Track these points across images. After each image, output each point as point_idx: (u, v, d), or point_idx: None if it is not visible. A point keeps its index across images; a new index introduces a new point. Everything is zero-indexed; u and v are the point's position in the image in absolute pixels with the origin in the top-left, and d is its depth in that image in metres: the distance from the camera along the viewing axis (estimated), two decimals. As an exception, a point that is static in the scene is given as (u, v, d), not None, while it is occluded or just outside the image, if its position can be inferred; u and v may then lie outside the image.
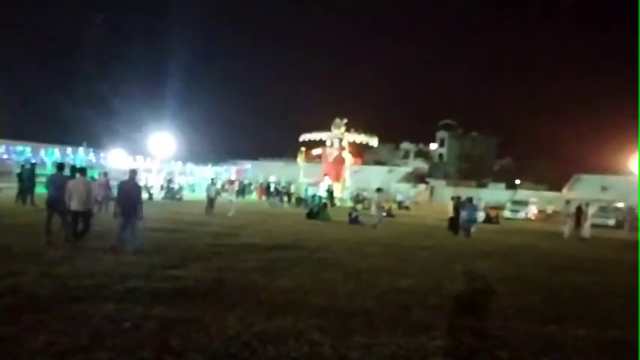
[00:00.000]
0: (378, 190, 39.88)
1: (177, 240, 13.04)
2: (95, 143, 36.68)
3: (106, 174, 19.86)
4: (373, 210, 32.99)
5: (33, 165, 21.06)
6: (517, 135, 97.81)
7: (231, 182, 24.53)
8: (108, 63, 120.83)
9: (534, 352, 5.68)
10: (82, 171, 11.89)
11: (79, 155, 33.15)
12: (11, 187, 22.06)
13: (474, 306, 7.72)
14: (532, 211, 41.03)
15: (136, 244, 10.59)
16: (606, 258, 15.75)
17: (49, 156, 31.77)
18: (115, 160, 33.43)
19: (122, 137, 44.02)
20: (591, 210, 23.97)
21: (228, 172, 44.54)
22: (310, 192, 37.53)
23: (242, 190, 39.97)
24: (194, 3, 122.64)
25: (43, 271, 7.88)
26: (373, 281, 9.12)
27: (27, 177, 19.68)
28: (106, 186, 18.12)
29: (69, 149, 33.76)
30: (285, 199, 37.07)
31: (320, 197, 31.07)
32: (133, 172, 11.99)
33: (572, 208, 24.09)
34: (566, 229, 22.71)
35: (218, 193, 25.58)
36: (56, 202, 11.17)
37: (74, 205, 10.81)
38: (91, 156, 33.95)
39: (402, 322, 6.45)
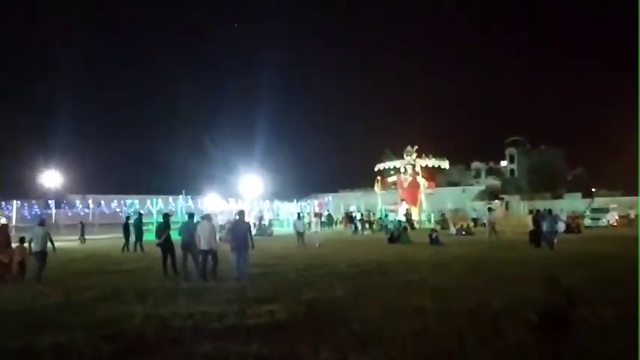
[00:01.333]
0: (455, 210, 38.68)
1: (270, 273, 12.86)
2: (193, 190, 38.10)
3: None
4: (452, 229, 31.92)
5: (140, 215, 21.85)
6: (586, 144, 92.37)
7: (316, 215, 24.32)
8: (202, 108, 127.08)
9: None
10: (207, 217, 12.83)
11: (179, 202, 34.30)
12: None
13: (572, 323, 6.87)
14: (613, 217, 37.99)
15: (245, 271, 11.70)
16: None
17: (153, 206, 33.08)
18: (210, 204, 34.34)
19: (216, 182, 45.51)
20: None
21: (311, 205, 44.62)
22: (390, 217, 36.77)
23: (329, 221, 39.87)
24: (283, 44, 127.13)
25: (148, 314, 7.84)
26: (460, 300, 8.43)
27: (136, 226, 20.41)
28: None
29: (170, 198, 35.09)
30: (367, 225, 36.53)
31: (399, 222, 30.26)
32: (242, 213, 13.08)
33: None
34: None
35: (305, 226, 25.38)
36: (189, 245, 12.26)
37: (204, 245, 11.83)
38: (190, 202, 35.02)
39: (496, 344, 5.80)
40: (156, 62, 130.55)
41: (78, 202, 39.08)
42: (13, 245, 13.35)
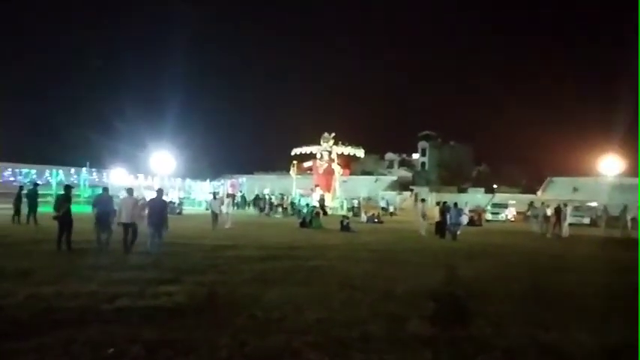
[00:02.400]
0: (368, 199, 39.36)
1: (175, 254, 12.25)
2: (97, 163, 35.84)
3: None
4: (363, 217, 32.47)
5: (36, 185, 20.16)
6: (492, 142, 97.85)
7: (228, 195, 23.33)
8: (109, 84, 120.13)
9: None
10: (130, 191, 12.81)
11: (82, 175, 32.18)
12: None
13: (470, 313, 7.01)
14: (512, 212, 40.45)
15: (159, 249, 11.87)
16: (588, 255, 15.14)
17: (53, 177, 30.78)
18: (116, 179, 32.51)
19: (123, 156, 43.19)
20: (569, 210, 23.49)
21: (224, 186, 43.62)
22: (303, 202, 36.75)
23: (243, 203, 39.11)
24: (192, 21, 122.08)
25: (30, 293, 7.08)
26: (367, 289, 8.40)
27: (30, 197, 18.78)
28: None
29: (72, 170, 32.83)
30: (280, 209, 36.37)
31: (312, 207, 30.27)
32: (160, 191, 13.32)
33: (539, 210, 24.50)
34: (537, 227, 24.04)
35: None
36: (102, 218, 12.26)
37: (124, 218, 12.01)
38: (94, 175, 32.97)
39: (399, 334, 5.75)
40: (62, 34, 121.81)
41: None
42: None
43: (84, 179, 31.77)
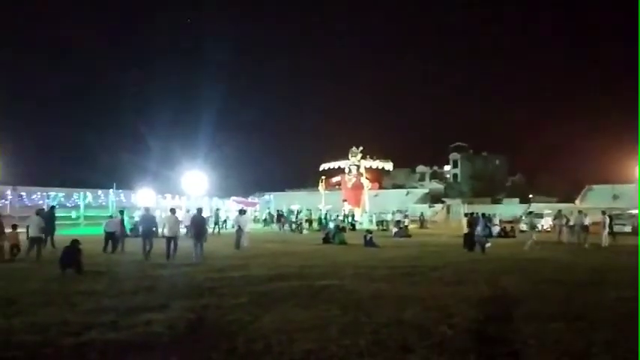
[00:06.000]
0: (398, 212, 37.98)
1: (180, 275, 11.57)
2: (124, 184, 35.76)
3: (121, 212, 18.78)
4: (392, 231, 31.26)
5: (52, 208, 19.90)
6: (526, 151, 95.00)
7: (242, 212, 22.13)
8: (140, 102, 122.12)
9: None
10: (173, 210, 15.89)
11: (109, 196, 32.15)
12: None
13: (488, 340, 5.97)
14: (548, 222, 38.46)
15: (200, 259, 14.15)
16: (628, 268, 13.69)
17: (81, 199, 30.86)
18: (143, 199, 32.32)
19: (151, 176, 43.16)
20: (607, 219, 21.88)
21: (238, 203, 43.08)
22: (331, 217, 35.81)
23: (270, 220, 38.28)
24: (226, 37, 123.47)
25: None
26: (374, 312, 7.43)
27: (46, 220, 18.45)
28: (119, 224, 17.13)
29: (100, 191, 32.88)
30: (308, 225, 35.55)
31: (337, 222, 29.28)
32: (200, 209, 16.44)
33: (576, 219, 22.56)
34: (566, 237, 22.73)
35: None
36: (149, 233, 15.29)
37: (168, 232, 14.82)
38: (122, 197, 32.91)
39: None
40: (95, 50, 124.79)
41: (8, 194, 36.15)
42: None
43: (111, 200, 31.68)
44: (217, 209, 32.61)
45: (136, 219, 22.00)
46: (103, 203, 32.46)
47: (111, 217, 18.63)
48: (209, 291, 9.26)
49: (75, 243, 11.61)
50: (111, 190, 32.32)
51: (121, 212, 18.80)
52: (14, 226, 15.36)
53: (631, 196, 48.44)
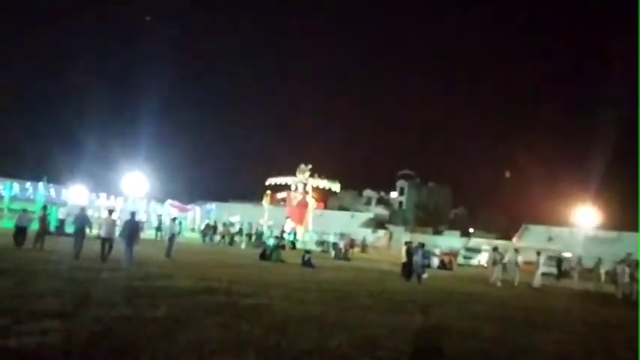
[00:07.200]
0: (341, 234, 37.76)
1: (97, 280, 10.81)
2: (54, 179, 33.81)
3: (44, 208, 17.76)
4: (332, 254, 31.02)
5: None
6: (470, 185, 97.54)
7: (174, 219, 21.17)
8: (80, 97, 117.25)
9: None
10: (110, 212, 16.07)
11: (38, 190, 30.31)
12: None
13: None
14: (484, 258, 39.33)
15: (128, 265, 13.44)
16: (560, 310, 13.95)
17: (7, 190, 28.98)
18: (75, 196, 30.71)
19: (86, 174, 41.10)
20: (541, 259, 22.44)
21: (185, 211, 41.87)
22: (271, 234, 35.22)
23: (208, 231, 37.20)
24: (172, 42, 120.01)
25: None
26: (298, 337, 7.03)
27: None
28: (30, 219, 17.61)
29: (28, 184, 31.00)
30: (246, 239, 34.90)
31: (278, 239, 28.74)
32: (133, 213, 16.07)
33: (498, 256, 22.19)
34: (493, 276, 20.91)
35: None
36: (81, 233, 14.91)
37: (104, 233, 14.63)
38: (52, 192, 31.16)
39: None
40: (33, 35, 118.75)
41: None
42: None
43: (40, 194, 29.86)
44: (160, 215, 31.65)
45: (69, 218, 21.18)
46: (31, 197, 30.55)
47: (24, 210, 18.20)
48: (126, 300, 8.61)
49: None
50: (41, 184, 30.54)
51: (44, 208, 17.88)
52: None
53: (564, 238, 50.37)
